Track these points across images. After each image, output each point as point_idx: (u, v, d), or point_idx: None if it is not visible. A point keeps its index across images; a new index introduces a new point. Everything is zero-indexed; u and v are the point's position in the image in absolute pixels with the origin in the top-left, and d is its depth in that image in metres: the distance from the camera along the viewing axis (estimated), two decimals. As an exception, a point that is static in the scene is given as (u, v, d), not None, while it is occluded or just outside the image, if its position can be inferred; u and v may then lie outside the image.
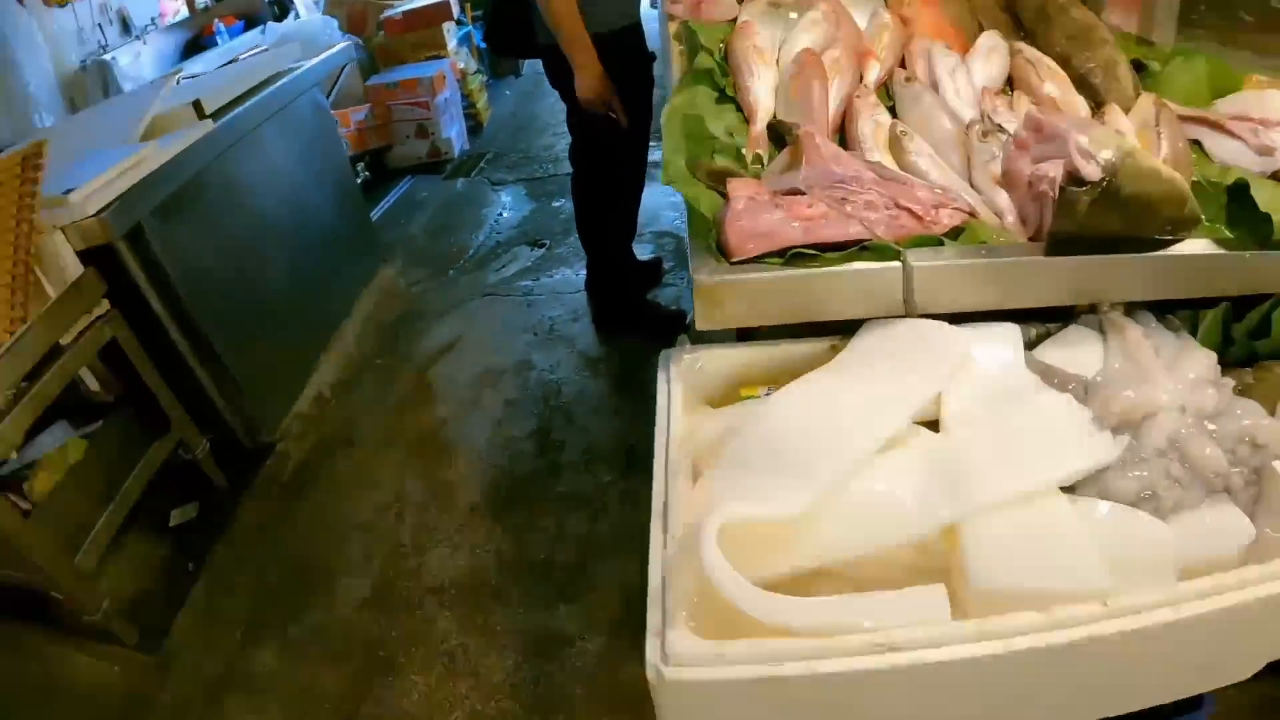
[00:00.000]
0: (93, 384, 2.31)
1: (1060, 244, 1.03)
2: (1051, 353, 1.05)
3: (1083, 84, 1.35)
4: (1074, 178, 1.00)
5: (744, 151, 1.29)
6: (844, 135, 1.34)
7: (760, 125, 1.32)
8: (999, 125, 1.25)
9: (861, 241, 1.03)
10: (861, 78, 1.41)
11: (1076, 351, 1.04)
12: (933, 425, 0.96)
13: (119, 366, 2.23)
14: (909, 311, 1.05)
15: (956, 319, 1.05)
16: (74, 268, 2.05)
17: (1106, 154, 0.98)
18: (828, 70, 1.35)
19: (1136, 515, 0.85)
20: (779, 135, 1.31)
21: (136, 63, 3.52)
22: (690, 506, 0.89)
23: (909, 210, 1.07)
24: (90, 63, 3.35)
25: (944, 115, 1.30)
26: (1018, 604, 0.75)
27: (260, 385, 2.61)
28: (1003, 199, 1.17)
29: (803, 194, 1.10)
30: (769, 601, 0.76)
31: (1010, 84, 1.42)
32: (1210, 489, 0.90)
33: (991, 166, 1.20)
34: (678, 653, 0.75)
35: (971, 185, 1.22)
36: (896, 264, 1.01)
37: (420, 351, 3.02)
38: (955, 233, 1.10)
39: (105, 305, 2.11)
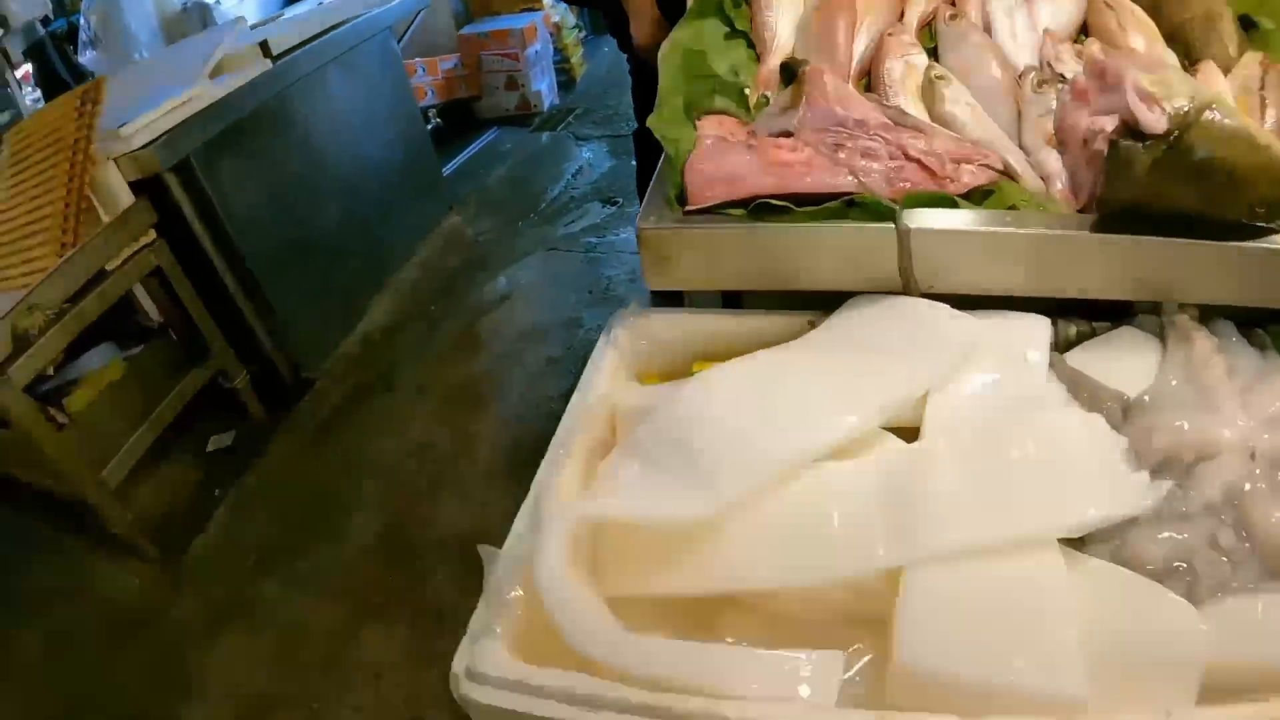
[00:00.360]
0: (151, 310, 2.37)
1: (1116, 218, 0.81)
2: (1090, 359, 0.84)
3: (1175, 38, 1.09)
4: (1132, 130, 0.77)
5: (748, 91, 1.11)
6: (872, 82, 1.13)
7: (772, 62, 1.13)
8: (1061, 75, 1.02)
9: (848, 195, 0.84)
10: (902, 16, 1.19)
11: (1123, 360, 0.82)
12: (913, 435, 0.78)
13: (167, 295, 2.27)
14: (907, 288, 0.86)
15: (974, 305, 0.85)
16: (126, 197, 2.10)
17: (1178, 102, 0.75)
18: (861, 5, 1.14)
19: (1158, 593, 0.63)
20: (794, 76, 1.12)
21: (240, 6, 3.56)
22: (570, 495, 0.74)
23: (919, 162, 0.88)
24: (191, 4, 3.41)
25: (993, 60, 1.08)
26: (947, 701, 0.56)
27: (305, 323, 2.61)
28: (1053, 161, 0.96)
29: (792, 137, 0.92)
30: (600, 634, 0.61)
31: (1085, 32, 1.17)
32: (1271, 570, 0.67)
33: (1045, 123, 0.98)
34: (479, 668, 0.62)
35: (1020, 146, 1.00)
36: (889, 226, 0.82)
37: (474, 302, 2.96)
38: (981, 196, 0.90)
39: (152, 235, 2.15)
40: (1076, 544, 0.67)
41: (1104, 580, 0.65)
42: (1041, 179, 0.95)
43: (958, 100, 1.03)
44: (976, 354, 0.81)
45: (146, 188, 2.12)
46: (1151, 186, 0.77)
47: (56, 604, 2.09)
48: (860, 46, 1.13)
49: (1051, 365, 0.82)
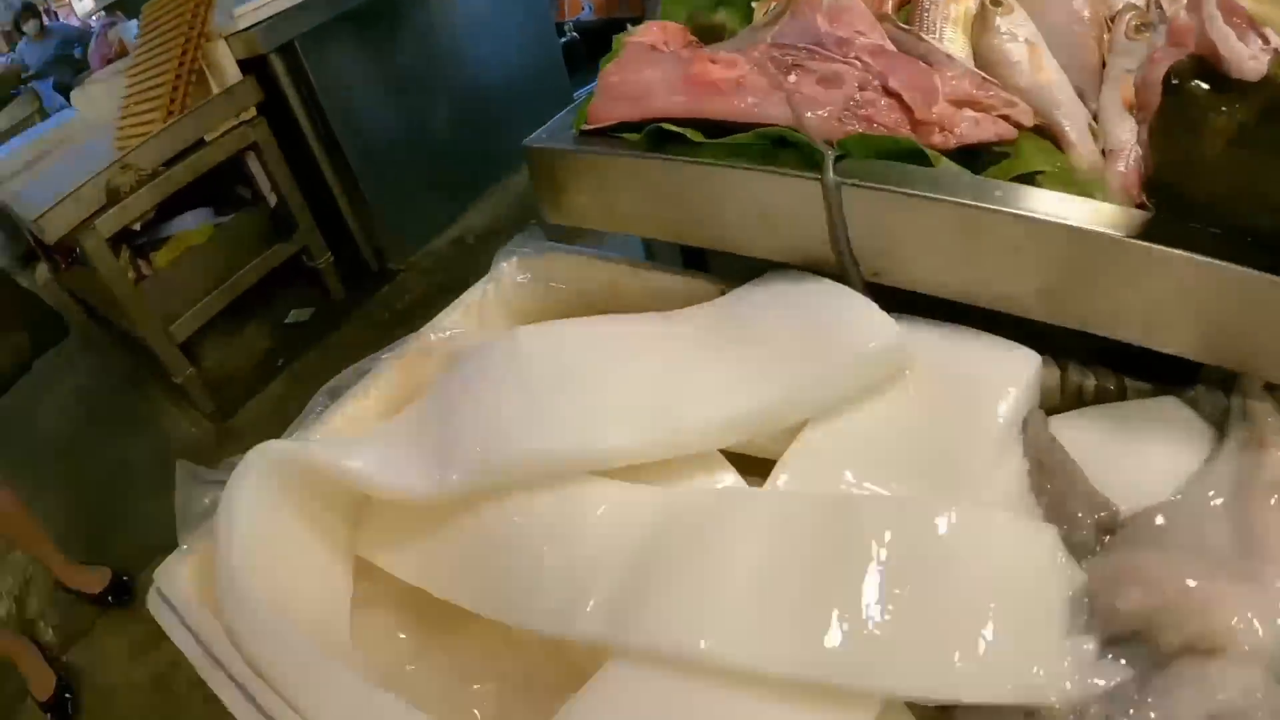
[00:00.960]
0: (260, 184, 2.45)
1: (1183, 222, 0.53)
2: (1096, 431, 0.58)
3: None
4: (1209, 72, 0.49)
5: (755, 5, 0.89)
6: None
7: (795, -34, 0.89)
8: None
9: (774, 128, 0.63)
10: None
11: (1147, 447, 0.56)
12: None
13: (264, 172, 2.34)
14: (841, 266, 0.64)
15: (952, 314, 0.62)
16: (234, 75, 2.16)
17: None
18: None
19: None
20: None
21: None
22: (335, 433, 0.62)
23: (897, 98, 0.64)
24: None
25: None
26: None
27: (398, 216, 2.64)
28: (1125, 130, 0.69)
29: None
30: (245, 603, 0.52)
31: None
32: None
33: (1132, 80, 0.71)
34: (161, 584, 0.61)
35: (1096, 109, 0.74)
36: (813, 177, 0.60)
37: None
38: (993, 159, 0.65)
39: (253, 112, 2.22)
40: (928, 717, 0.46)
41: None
42: (1103, 153, 0.69)
43: (1014, 33, 0.76)
44: (906, 381, 0.59)
45: (254, 67, 2.17)
46: (1233, 169, 0.49)
47: (124, 435, 2.30)
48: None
49: (1025, 427, 0.57)
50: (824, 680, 0.43)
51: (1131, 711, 0.45)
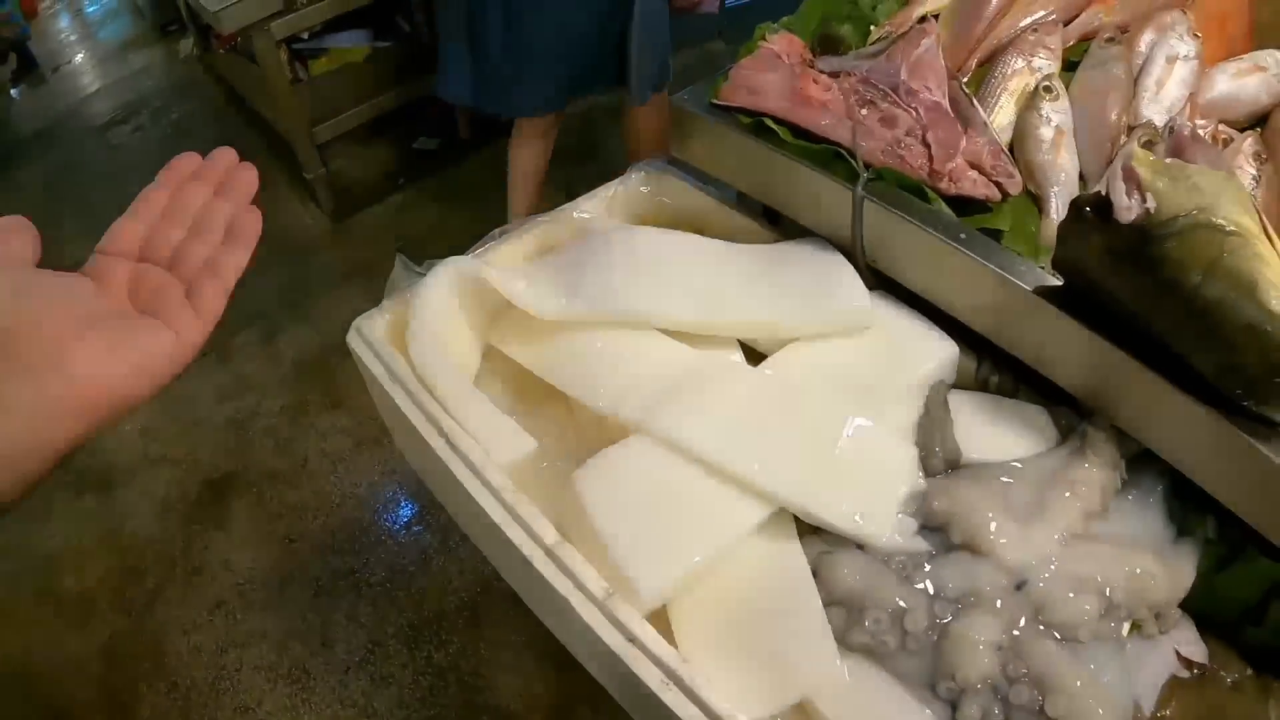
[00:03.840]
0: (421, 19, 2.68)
1: (1079, 293, 0.75)
2: (983, 409, 0.84)
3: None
4: (1103, 203, 0.70)
5: (874, 29, 1.15)
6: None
7: (917, 11, 1.15)
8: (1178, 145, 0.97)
9: (837, 145, 0.92)
10: (1071, 21, 1.15)
11: (1011, 432, 0.82)
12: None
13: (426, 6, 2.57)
14: (854, 251, 0.94)
15: (922, 304, 0.90)
16: None
17: (1171, 203, 0.63)
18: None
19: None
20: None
21: None
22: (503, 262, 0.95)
23: (929, 149, 0.93)
24: None
25: (1119, 99, 1.04)
26: (579, 525, 0.72)
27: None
28: None
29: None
30: (426, 355, 0.83)
31: (1263, 130, 1.05)
32: (926, 679, 0.67)
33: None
34: (361, 326, 0.89)
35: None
36: (849, 188, 0.90)
37: None
38: (982, 208, 0.93)
39: (431, -51, 2.40)
40: (806, 530, 0.74)
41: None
42: None
43: (1050, 118, 1.01)
44: (867, 335, 0.88)
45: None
46: (1101, 277, 0.69)
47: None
48: (1009, 28, 1.12)
49: (931, 390, 0.84)
50: (750, 480, 0.73)
51: (920, 569, 0.71)
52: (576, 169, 2.68)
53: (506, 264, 0.96)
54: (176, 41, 4.89)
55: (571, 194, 1.04)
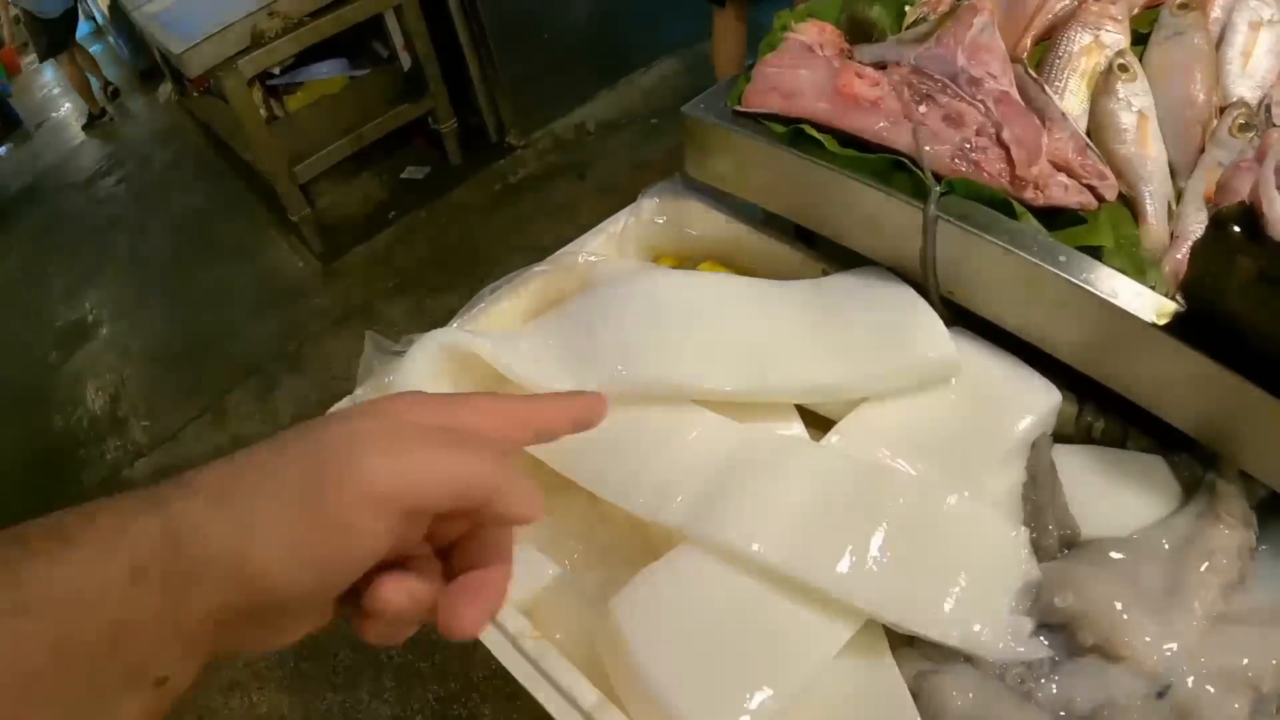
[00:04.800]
0: (395, 40, 2.56)
1: (1207, 322, 0.61)
2: (1093, 466, 0.69)
3: None
4: (1251, 216, 0.57)
5: (909, 9, 0.98)
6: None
7: (956, -16, 0.98)
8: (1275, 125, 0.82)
9: (897, 153, 0.75)
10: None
11: (1128, 491, 0.67)
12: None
13: (403, 33, 2.45)
14: (924, 279, 0.77)
15: (1005, 340, 0.74)
16: None
17: None
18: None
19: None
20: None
21: None
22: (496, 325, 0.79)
23: (1006, 150, 0.76)
24: None
25: (1203, 74, 0.86)
26: (622, 667, 0.57)
27: (526, 94, 2.76)
28: (1195, 222, 0.77)
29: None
30: None
31: None
32: None
33: (1218, 174, 0.80)
34: None
35: (1183, 189, 0.83)
36: (918, 206, 0.73)
37: None
38: (1072, 219, 0.76)
39: (400, -23, 2.30)
40: (897, 641, 0.61)
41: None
42: (1171, 235, 0.79)
43: (1130, 102, 0.85)
44: (950, 387, 0.72)
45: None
46: (1245, 306, 0.58)
47: (231, 259, 2.53)
48: (1061, 2, 0.95)
49: (1034, 447, 0.70)
50: (829, 590, 0.58)
51: (1041, 680, 0.59)
52: (573, 187, 2.55)
53: (503, 328, 0.80)
54: (156, 89, 4.82)
55: (570, 213, 0.88)
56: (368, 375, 0.77)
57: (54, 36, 4.71)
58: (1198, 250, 0.61)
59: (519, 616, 0.60)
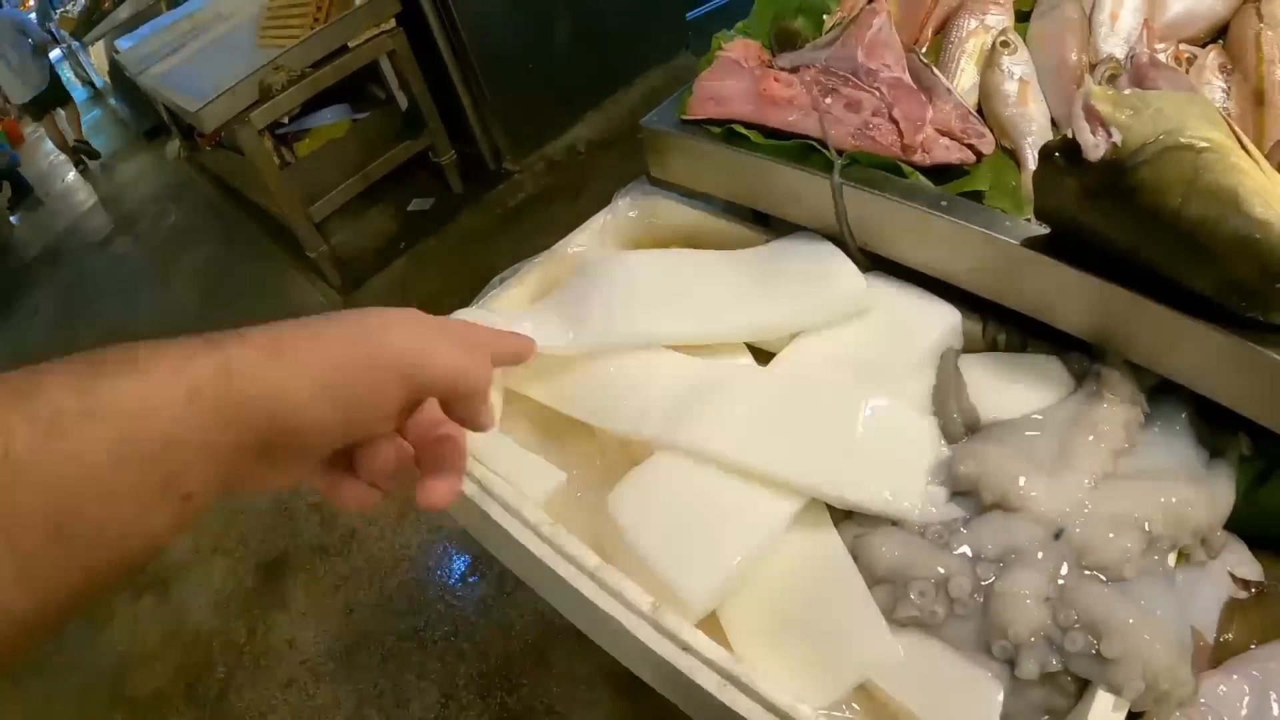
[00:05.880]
0: (390, 83, 2.76)
1: (1061, 239, 0.76)
2: (995, 369, 0.84)
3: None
4: (1069, 147, 0.70)
5: (826, 17, 1.17)
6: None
7: (864, -8, 1.17)
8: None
9: (808, 138, 0.94)
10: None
11: (1025, 385, 0.81)
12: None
13: (398, 76, 2.65)
14: (843, 236, 0.95)
15: (916, 277, 0.91)
16: None
17: (1135, 133, 0.63)
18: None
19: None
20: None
21: None
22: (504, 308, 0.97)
23: (897, 125, 0.95)
24: None
25: (1075, 39, 1.04)
26: (619, 548, 0.74)
27: (517, 120, 2.93)
28: None
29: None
30: None
31: (1225, 42, 1.03)
32: (991, 646, 0.66)
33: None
34: None
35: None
36: (825, 177, 0.92)
37: None
38: (960, 173, 0.94)
39: (393, 23, 2.52)
40: (839, 516, 0.75)
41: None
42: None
43: (1012, 71, 1.01)
44: (869, 316, 0.90)
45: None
46: (1084, 218, 0.69)
47: (253, 300, 2.70)
48: (956, -4, 1.13)
49: (941, 357, 0.86)
50: (776, 474, 0.75)
51: (956, 533, 0.71)
52: (569, 205, 2.72)
53: (512, 309, 0.98)
54: (163, 146, 5.04)
55: (567, 229, 1.07)
56: None
57: (31, 113, 5.37)
58: (1037, 179, 0.75)
59: (538, 510, 0.77)
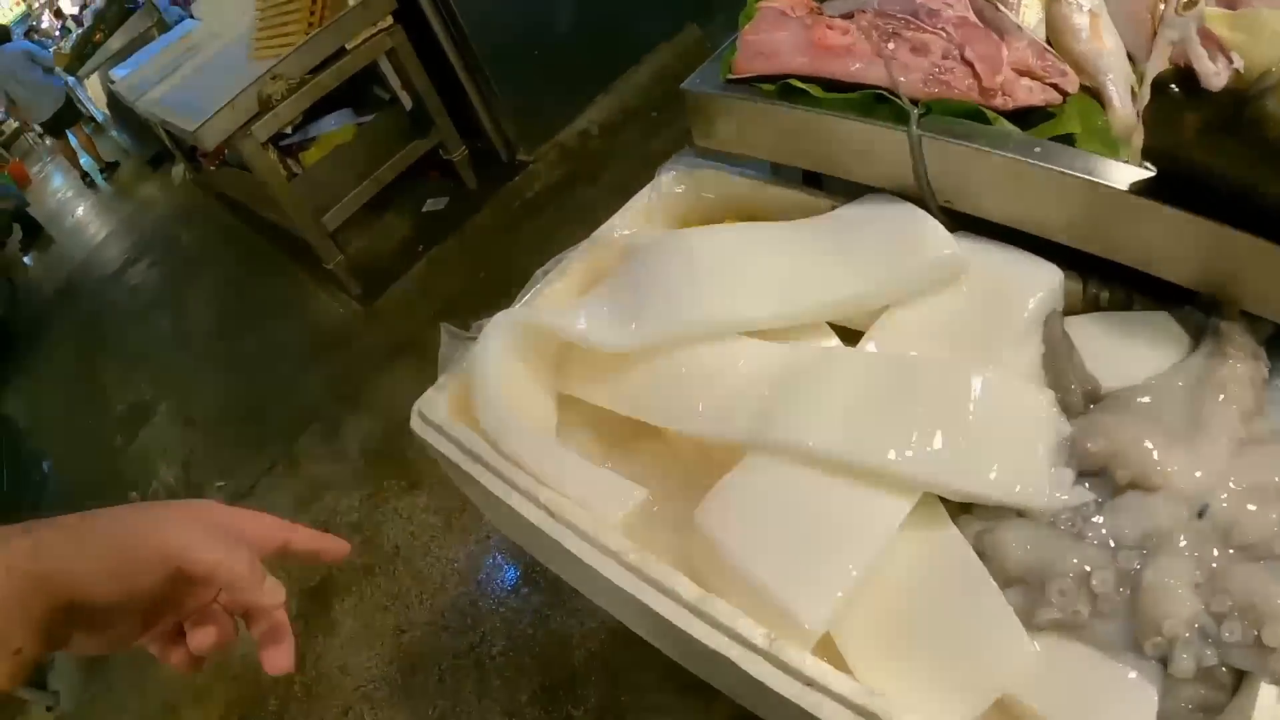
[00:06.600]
0: (391, 83, 2.67)
1: (1179, 183, 0.67)
2: (1105, 331, 0.75)
3: None
4: (1186, 76, 0.64)
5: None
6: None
7: (910, -73, 1.06)
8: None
9: (875, 88, 0.84)
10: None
11: (1140, 348, 0.73)
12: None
13: (400, 74, 2.55)
14: (922, 195, 0.85)
15: (1006, 235, 0.81)
16: None
17: (1252, 54, 0.59)
18: None
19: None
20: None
21: None
22: (555, 305, 0.88)
23: (971, 68, 0.84)
24: None
25: None
26: (711, 566, 0.65)
27: (527, 110, 2.82)
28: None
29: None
30: (490, 410, 0.75)
31: None
32: (1133, 642, 0.59)
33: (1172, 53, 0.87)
34: (423, 409, 0.82)
35: (1142, 75, 0.90)
36: (903, 130, 0.82)
37: None
38: (1044, 117, 0.84)
39: (390, 20, 2.42)
40: (955, 510, 0.67)
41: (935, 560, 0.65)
42: (1139, 115, 0.86)
43: (1080, 4, 0.92)
44: (962, 282, 0.80)
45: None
46: (1201, 156, 0.63)
47: (272, 316, 2.64)
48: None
49: (1046, 322, 0.76)
50: (885, 469, 0.66)
51: (1089, 520, 0.64)
52: (589, 191, 2.63)
53: (559, 304, 0.89)
54: (168, 172, 5.00)
55: (591, 215, 0.98)
56: (447, 364, 0.86)
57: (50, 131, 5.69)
58: (1148, 116, 0.68)
59: (619, 537, 0.68)
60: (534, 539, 0.73)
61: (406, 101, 2.61)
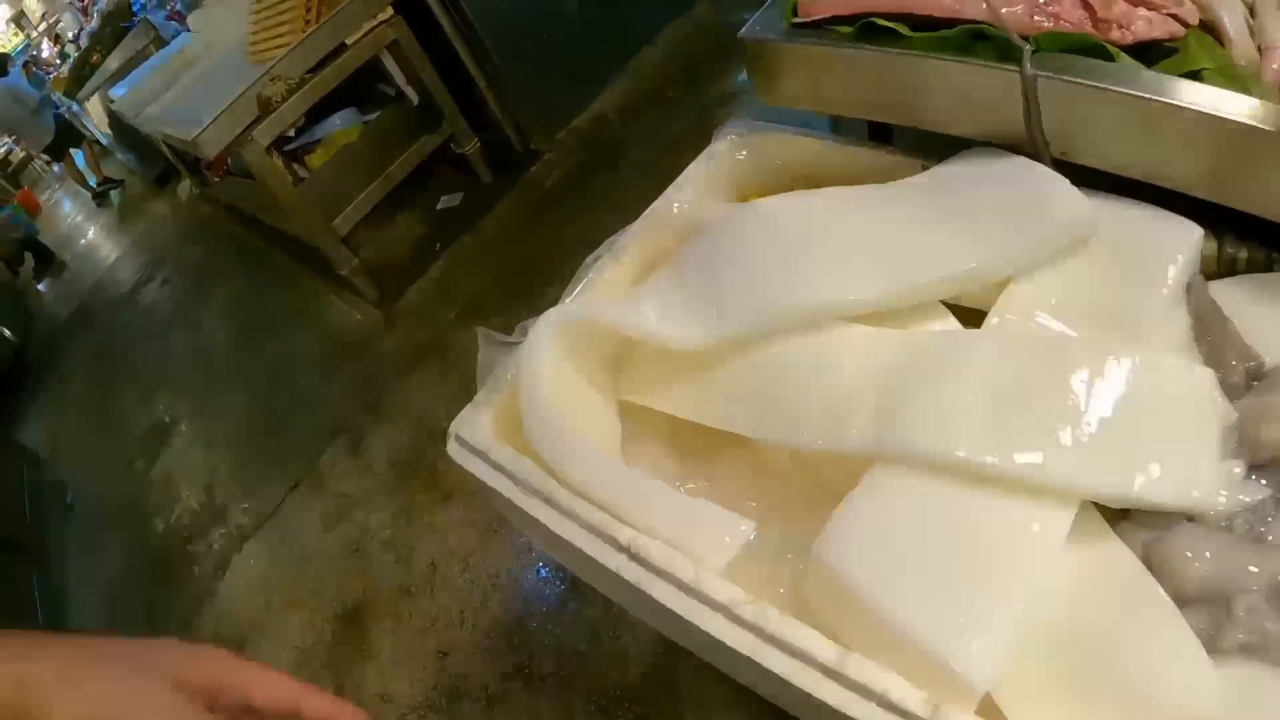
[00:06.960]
0: (396, 78, 2.55)
1: None
2: (1251, 297, 0.65)
3: None
4: None
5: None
6: None
7: None
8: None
9: (974, 23, 0.71)
10: None
11: None
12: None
13: (405, 67, 2.43)
14: (1034, 149, 0.72)
15: (1125, 189, 0.69)
16: None
17: None
18: None
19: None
20: None
21: None
22: (611, 294, 0.75)
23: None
24: None
25: None
26: (842, 612, 0.54)
27: (539, 97, 2.68)
28: (1277, 30, 0.73)
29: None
30: (544, 430, 0.63)
31: None
32: None
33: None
34: (460, 432, 0.70)
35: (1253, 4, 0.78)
36: (1013, 70, 0.69)
37: (714, 92, 2.85)
38: (1162, 54, 0.71)
39: (390, 11, 2.30)
40: (1110, 516, 0.57)
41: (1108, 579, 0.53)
42: (1258, 50, 0.74)
43: None
44: (1091, 247, 0.68)
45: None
46: None
47: (288, 327, 2.53)
48: None
49: (1189, 289, 0.65)
50: (1037, 477, 0.54)
51: (1270, 520, 0.55)
52: (610, 178, 2.50)
53: (614, 297, 0.77)
54: (174, 190, 4.93)
55: (615, 202, 0.85)
56: (486, 375, 0.75)
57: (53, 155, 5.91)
58: None
59: (727, 585, 0.55)
60: (614, 587, 0.61)
61: (413, 96, 2.49)
